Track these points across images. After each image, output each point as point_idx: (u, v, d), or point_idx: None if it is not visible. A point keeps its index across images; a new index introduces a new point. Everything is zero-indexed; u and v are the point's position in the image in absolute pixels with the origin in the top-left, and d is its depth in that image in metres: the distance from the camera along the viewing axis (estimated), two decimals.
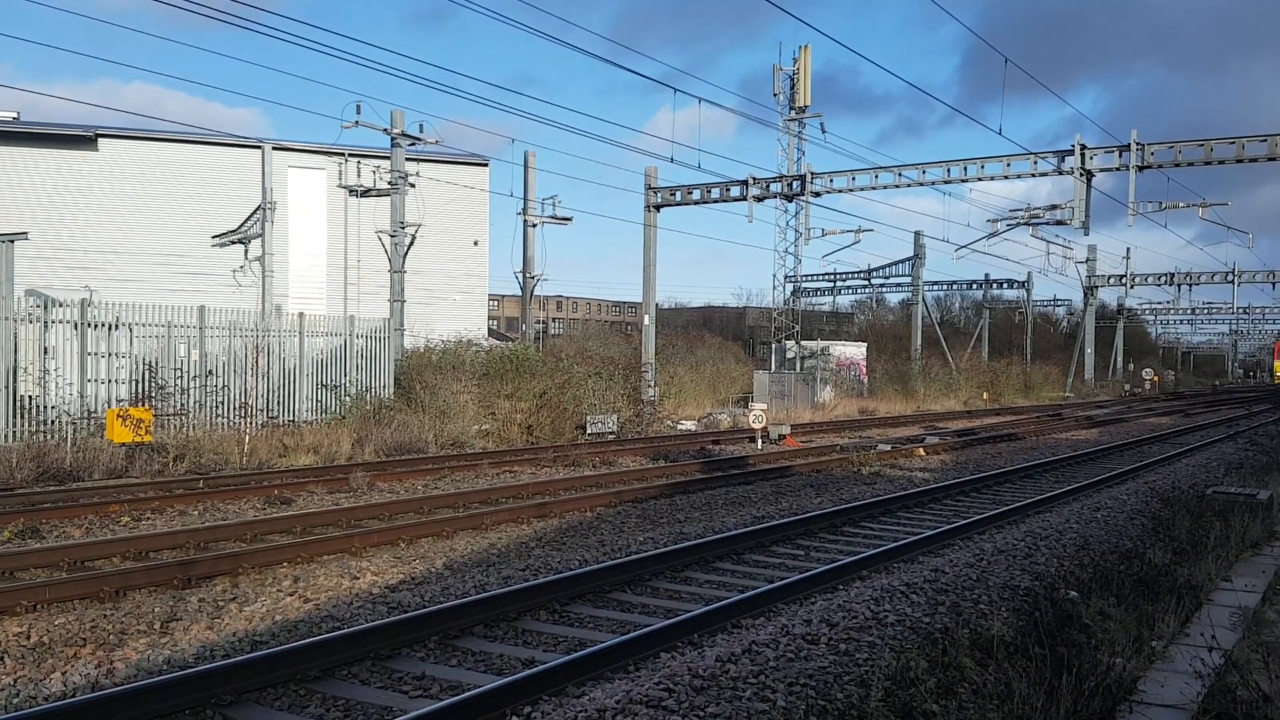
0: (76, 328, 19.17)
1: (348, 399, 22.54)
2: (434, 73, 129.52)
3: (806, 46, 37.89)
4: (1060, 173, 28.81)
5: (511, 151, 77.99)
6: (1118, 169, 28.12)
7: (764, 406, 25.28)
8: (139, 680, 6.27)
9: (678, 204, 34.08)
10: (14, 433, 17.78)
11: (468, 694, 5.93)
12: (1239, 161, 26.73)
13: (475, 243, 41.31)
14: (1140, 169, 27.50)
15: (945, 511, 14.37)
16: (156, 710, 5.74)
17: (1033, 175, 29.24)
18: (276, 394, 21.78)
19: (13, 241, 22.03)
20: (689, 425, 29.62)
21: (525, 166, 35.33)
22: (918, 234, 53.34)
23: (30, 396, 18.47)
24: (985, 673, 5.78)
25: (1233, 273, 59.92)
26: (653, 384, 31.57)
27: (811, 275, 60.87)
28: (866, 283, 63.45)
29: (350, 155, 33.37)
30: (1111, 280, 65.26)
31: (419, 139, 27.41)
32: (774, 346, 41.69)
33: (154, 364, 19.87)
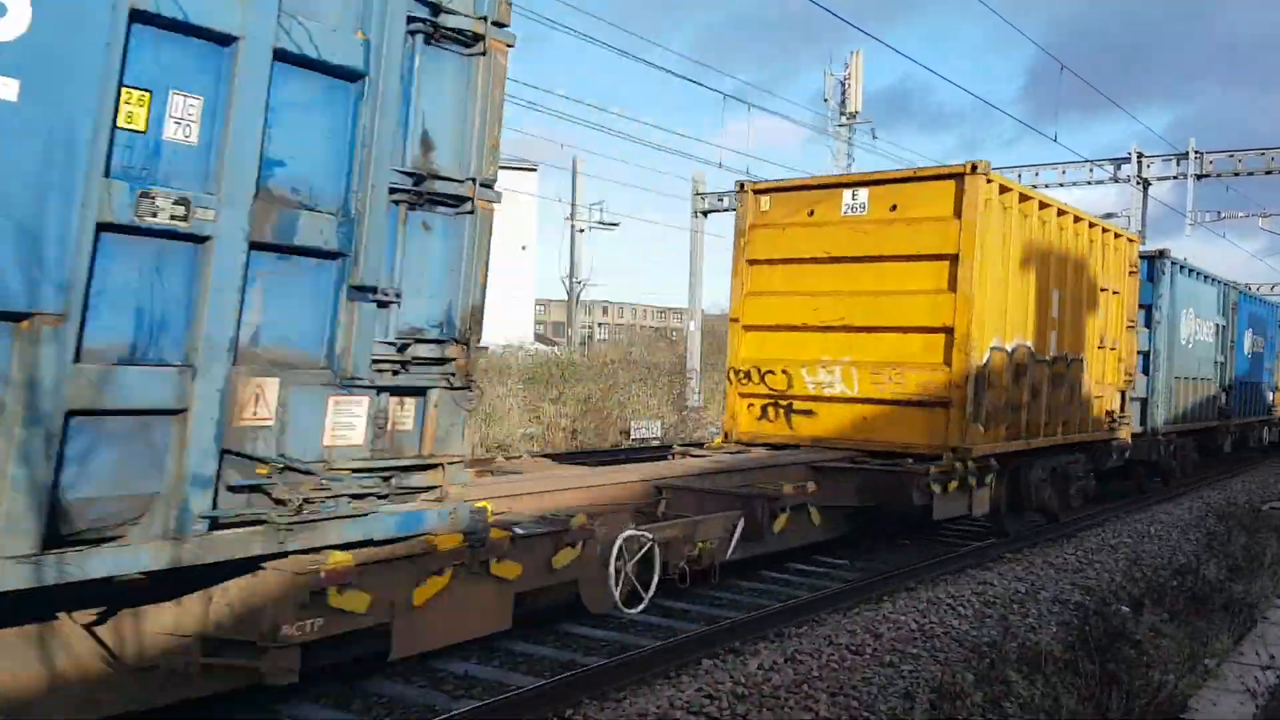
0: None
1: None
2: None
3: (858, 52, 37.67)
4: (1116, 180, 28.36)
5: (561, 157, 78.72)
6: (1175, 178, 27.64)
7: None
8: None
9: (725, 210, 33.99)
10: None
11: (509, 694, 5.96)
12: None
13: (523, 247, 41.57)
14: (1199, 178, 27.01)
15: (993, 526, 14.14)
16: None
17: (1088, 183, 28.79)
18: None
19: None
20: None
21: (573, 172, 35.56)
22: None
23: None
24: (1033, 687, 5.69)
25: None
26: (697, 390, 31.53)
27: None
28: None
29: None
30: None
31: None
32: None
33: None
